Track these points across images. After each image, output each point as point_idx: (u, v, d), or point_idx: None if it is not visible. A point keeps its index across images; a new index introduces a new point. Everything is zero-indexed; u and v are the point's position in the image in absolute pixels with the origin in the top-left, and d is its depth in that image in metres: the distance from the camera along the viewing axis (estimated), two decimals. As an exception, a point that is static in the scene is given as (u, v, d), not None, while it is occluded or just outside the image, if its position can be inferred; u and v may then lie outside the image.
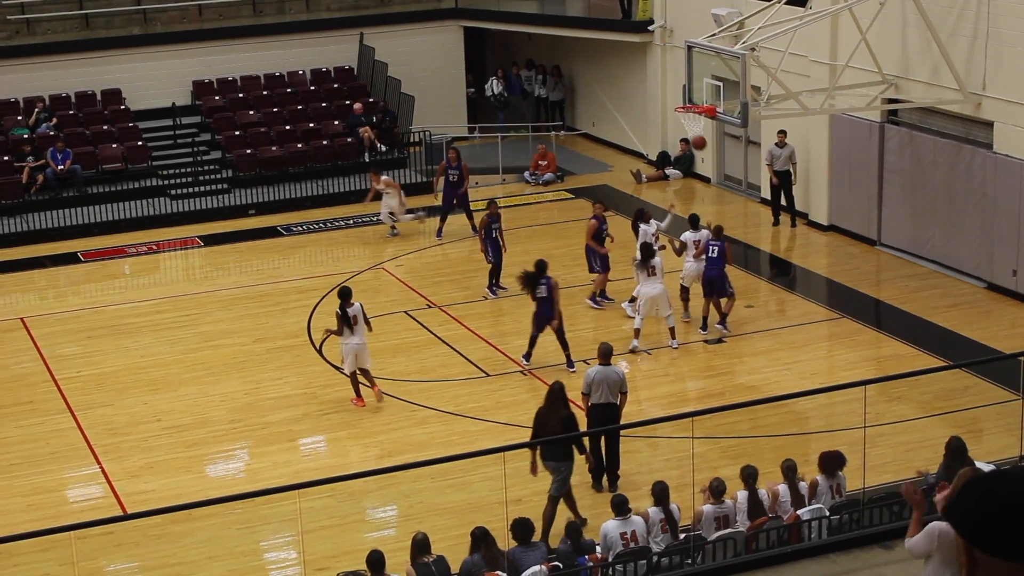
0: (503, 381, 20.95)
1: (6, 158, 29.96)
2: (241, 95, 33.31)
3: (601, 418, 16.88)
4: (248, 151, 31.42)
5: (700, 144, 25.24)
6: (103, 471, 18.37)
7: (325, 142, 31.96)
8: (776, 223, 28.08)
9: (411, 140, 32.62)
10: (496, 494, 15.26)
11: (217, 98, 33.10)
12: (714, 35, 25.14)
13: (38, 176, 29.77)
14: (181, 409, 20.28)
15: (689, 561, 14.01)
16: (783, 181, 27.76)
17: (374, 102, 33.26)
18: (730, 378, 21.10)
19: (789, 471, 14.95)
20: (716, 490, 14.65)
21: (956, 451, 14.75)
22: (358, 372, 19.94)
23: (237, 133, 31.96)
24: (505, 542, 13.93)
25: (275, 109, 32.94)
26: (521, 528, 13.91)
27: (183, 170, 31.16)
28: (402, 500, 17.32)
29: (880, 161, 26.14)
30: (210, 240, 28.61)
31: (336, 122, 32.73)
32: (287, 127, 32.31)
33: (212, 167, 31.44)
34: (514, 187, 31.90)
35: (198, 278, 27.05)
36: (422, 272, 26.17)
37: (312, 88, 33.85)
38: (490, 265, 24.40)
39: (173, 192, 30.49)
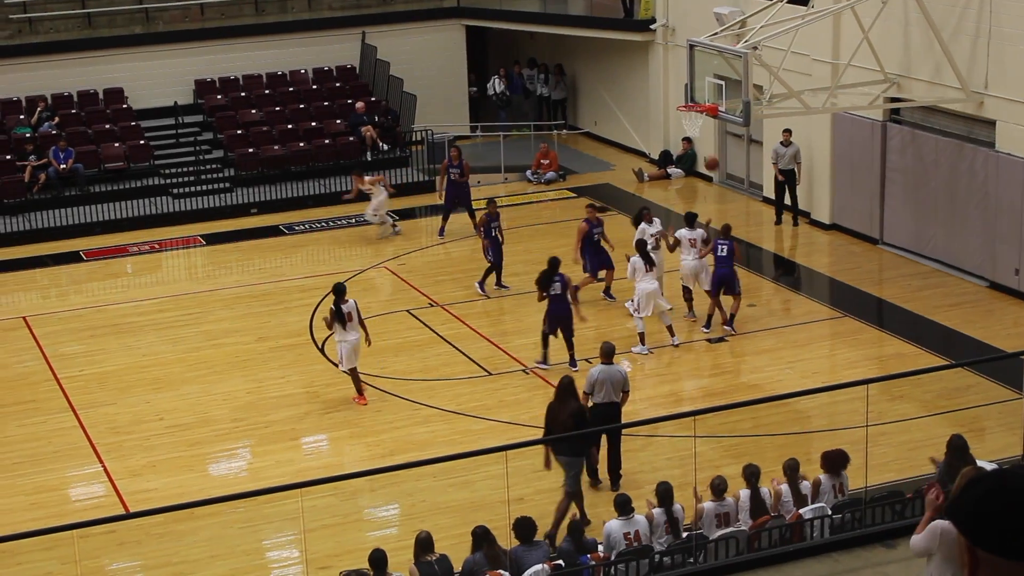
0: (505, 380, 20.96)
1: (8, 157, 29.98)
2: (243, 94, 33.31)
3: (603, 417, 16.90)
4: (250, 150, 31.43)
5: (713, 165, 24.97)
6: (105, 470, 18.39)
7: (327, 141, 31.96)
8: (779, 222, 28.09)
9: (413, 139, 32.62)
10: (498, 493, 15.25)
11: (219, 97, 33.11)
12: (716, 34, 25.14)
13: (40, 175, 29.79)
14: (183, 408, 20.29)
15: (691, 560, 14.01)
16: (787, 180, 27.76)
17: (376, 101, 33.26)
18: (732, 377, 21.11)
19: (791, 471, 14.95)
20: (717, 488, 14.66)
21: (957, 449, 14.74)
22: (350, 371, 19.99)
23: (239, 132, 31.97)
24: (507, 541, 13.93)
25: (277, 108, 32.95)
26: (523, 527, 13.91)
27: (185, 169, 31.17)
28: (404, 499, 17.32)
29: (882, 160, 26.14)
30: (212, 239, 28.62)
31: (338, 121, 32.73)
32: (289, 126, 32.32)
33: (214, 166, 31.45)
34: (516, 186, 31.90)
35: (200, 277, 27.06)
36: (424, 271, 26.17)
37: (314, 87, 33.86)
38: (488, 264, 24.42)
39: (175, 191, 30.50)
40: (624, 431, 17.48)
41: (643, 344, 21.63)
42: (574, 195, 30.78)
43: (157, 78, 32.77)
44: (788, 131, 27.41)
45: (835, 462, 15.03)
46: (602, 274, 23.71)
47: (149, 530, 16.29)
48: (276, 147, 31.64)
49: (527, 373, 21.08)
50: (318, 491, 15.79)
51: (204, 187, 30.59)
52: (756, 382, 20.86)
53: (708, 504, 14.60)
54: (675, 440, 17.73)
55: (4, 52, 31.73)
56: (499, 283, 24.57)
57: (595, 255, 23.53)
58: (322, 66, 34.23)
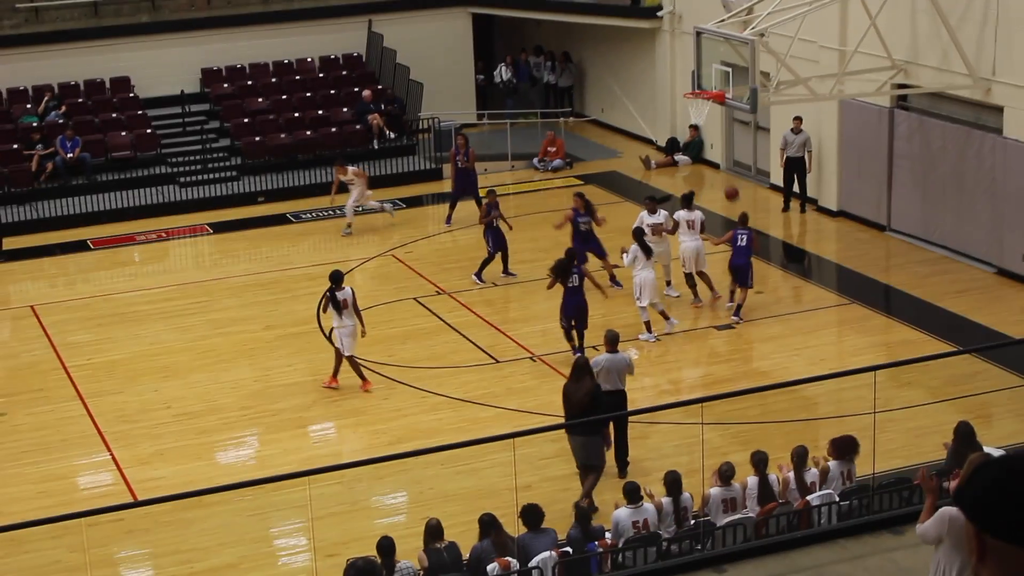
0: (512, 367, 20.96)
1: (15, 146, 30.00)
2: (250, 82, 33.30)
3: (609, 405, 16.90)
4: (257, 138, 31.43)
5: (733, 195, 24.68)
6: (113, 458, 18.42)
7: (334, 129, 31.96)
8: (786, 208, 28.05)
9: (420, 127, 32.61)
10: (506, 480, 15.27)
11: (226, 85, 33.10)
12: (723, 21, 25.09)
13: (47, 164, 29.81)
14: (191, 396, 20.32)
15: (699, 547, 14.02)
16: (795, 167, 27.72)
17: (383, 89, 33.24)
18: (740, 364, 21.09)
19: (798, 458, 14.95)
20: (724, 474, 14.67)
21: (964, 436, 14.74)
22: (337, 352, 20.02)
23: (246, 120, 31.97)
24: (515, 528, 13.95)
25: (284, 96, 32.94)
26: (531, 514, 13.93)
27: (192, 158, 31.19)
28: (412, 487, 17.34)
29: (890, 146, 26.09)
30: (219, 227, 28.64)
31: (345, 109, 32.72)
32: (296, 114, 32.32)
33: (221, 154, 31.46)
34: (523, 174, 31.88)
35: (207, 265, 27.08)
36: (431, 259, 26.17)
37: (321, 75, 33.85)
38: (487, 255, 24.42)
39: (182, 180, 30.52)
40: (630, 418, 17.47)
41: (650, 332, 21.62)
42: (581, 183, 30.74)
43: (164, 67, 32.76)
44: (799, 118, 27.36)
45: (844, 448, 15.03)
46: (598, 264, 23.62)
47: (157, 518, 16.31)
48: (283, 135, 31.64)
49: (534, 361, 21.08)
50: (326, 479, 15.81)
51: (211, 176, 30.60)
52: (764, 369, 20.86)
53: (715, 490, 14.61)
54: (682, 427, 17.73)
55: (11, 41, 31.74)
56: (506, 270, 24.57)
57: (583, 244, 23.52)
58: (328, 54, 34.21)
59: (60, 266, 27.14)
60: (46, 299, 24.91)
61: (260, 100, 32.68)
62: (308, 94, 33.12)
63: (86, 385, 20.83)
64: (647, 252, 21.50)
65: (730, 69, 24.01)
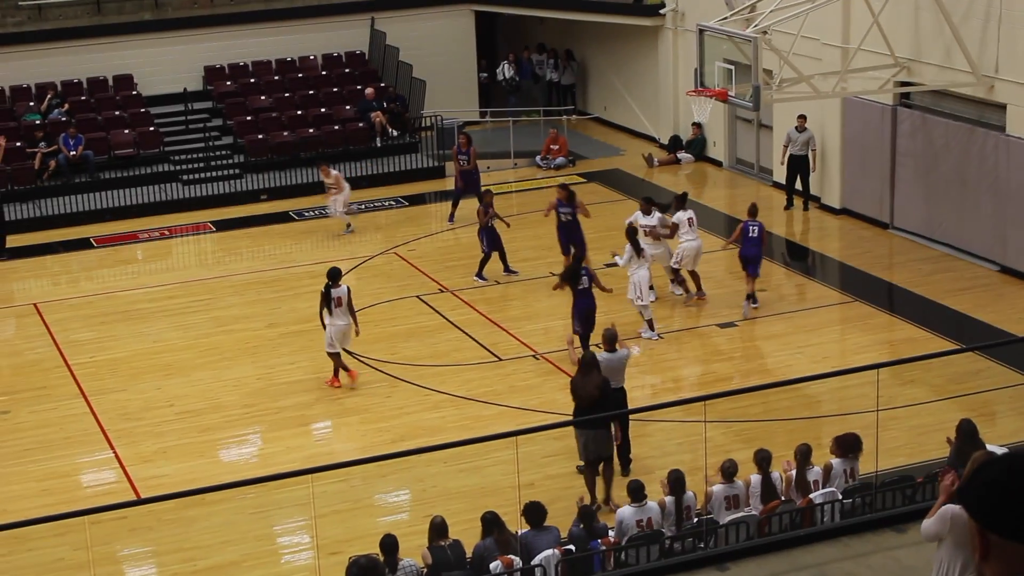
0: (515, 365, 20.96)
1: (18, 144, 30.01)
2: (252, 80, 33.31)
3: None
4: (260, 136, 31.44)
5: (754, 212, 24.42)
6: (116, 456, 18.43)
7: (336, 127, 31.96)
8: (788, 206, 28.04)
9: (423, 125, 32.60)
10: (509, 478, 15.28)
11: (229, 83, 33.11)
12: (726, 18, 25.08)
13: (50, 162, 29.82)
14: (194, 394, 20.33)
15: (702, 545, 14.01)
16: (798, 165, 27.71)
17: (385, 87, 33.24)
18: (742, 362, 21.10)
19: (801, 456, 14.94)
20: (727, 471, 14.67)
21: (967, 434, 14.73)
22: (340, 353, 20.11)
23: (248, 118, 31.97)
24: (518, 526, 13.95)
25: (286, 94, 32.95)
26: (533, 512, 13.93)
27: (195, 155, 31.19)
28: (415, 484, 17.34)
29: (892, 144, 26.08)
30: (222, 225, 28.64)
31: (348, 107, 32.72)
32: (298, 112, 32.32)
33: (224, 152, 31.46)
34: (526, 171, 31.87)
35: (210, 263, 27.09)
36: (434, 257, 26.18)
37: (323, 73, 33.85)
38: (483, 254, 24.43)
39: (185, 177, 30.53)
40: (633, 416, 17.47)
41: (652, 330, 21.61)
42: (584, 180, 30.75)
43: (166, 65, 32.78)
44: (803, 117, 27.36)
45: (847, 446, 15.02)
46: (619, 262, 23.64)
47: (160, 516, 16.33)
48: (285, 133, 31.64)
49: (536, 358, 21.08)
50: (328, 477, 15.82)
51: (214, 173, 30.62)
52: (766, 367, 20.85)
53: (717, 487, 14.61)
54: (685, 425, 17.73)
55: (14, 39, 31.75)
56: (507, 269, 24.58)
57: (565, 235, 23.58)
58: (331, 52, 34.22)
59: (63, 264, 27.15)
60: (49, 297, 24.93)
61: (263, 98, 32.69)
62: (311, 92, 33.13)
63: (89, 383, 20.84)
64: (639, 250, 21.49)
65: (733, 67, 24.01)
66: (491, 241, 24.34)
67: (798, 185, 27.95)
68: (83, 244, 27.74)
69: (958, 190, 24.74)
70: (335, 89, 33.24)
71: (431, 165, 31.51)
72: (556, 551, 13.54)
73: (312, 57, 34.09)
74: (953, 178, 24.81)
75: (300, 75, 33.64)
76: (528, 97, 36.54)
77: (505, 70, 36.20)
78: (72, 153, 29.89)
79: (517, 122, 33.54)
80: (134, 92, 32.33)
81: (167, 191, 30.00)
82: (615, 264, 22.22)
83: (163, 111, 32.27)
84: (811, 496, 14.53)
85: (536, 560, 13.47)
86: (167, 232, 28.38)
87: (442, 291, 24.17)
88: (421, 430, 18.63)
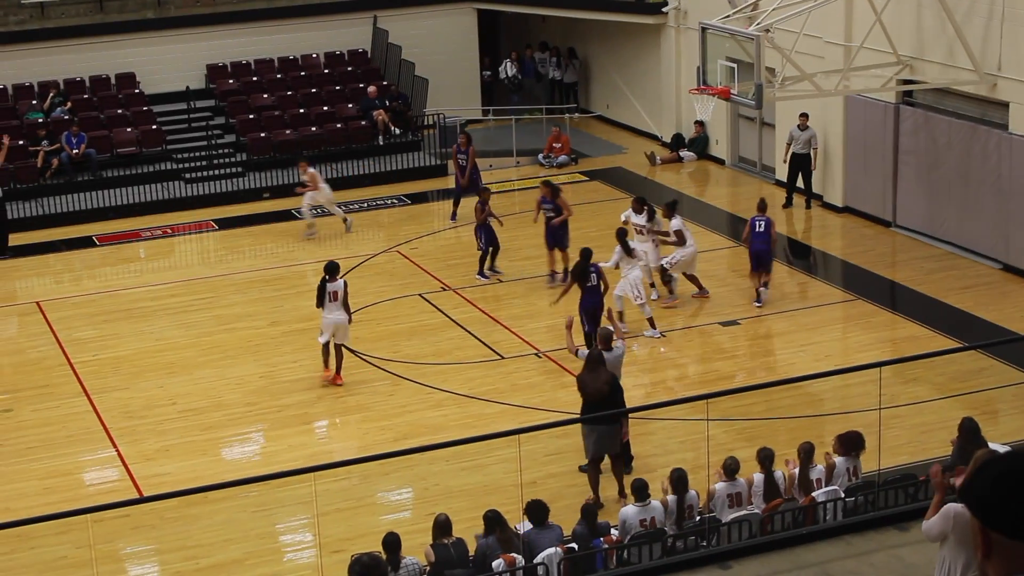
0: (517, 364, 20.96)
1: (21, 142, 30.01)
2: (255, 79, 33.30)
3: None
4: (262, 134, 31.44)
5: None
6: (119, 454, 18.44)
7: (339, 125, 31.96)
8: (787, 204, 28.00)
9: (425, 123, 32.59)
10: (511, 476, 15.28)
11: (231, 82, 33.11)
12: (728, 16, 25.07)
13: (53, 160, 29.83)
14: (196, 392, 20.33)
15: (704, 543, 14.01)
16: (800, 164, 27.70)
17: (388, 85, 33.24)
18: (745, 360, 21.09)
19: (805, 454, 14.93)
20: (729, 468, 14.67)
21: (969, 432, 14.73)
22: (336, 347, 20.13)
23: (251, 117, 31.97)
24: (520, 523, 13.95)
25: (289, 92, 32.94)
26: (536, 510, 13.94)
27: (197, 154, 31.19)
28: (417, 483, 17.35)
29: (895, 142, 26.07)
30: (224, 223, 28.65)
31: (350, 105, 32.72)
32: (301, 110, 32.33)
33: (226, 151, 31.47)
34: (528, 170, 31.86)
35: (213, 261, 27.09)
36: (437, 255, 26.18)
37: (326, 71, 33.84)
38: (480, 252, 24.45)
39: (187, 176, 30.53)
40: (638, 414, 17.47)
41: (654, 328, 21.61)
42: (586, 178, 30.76)
43: (169, 63, 32.78)
44: (805, 115, 27.36)
45: (850, 444, 15.01)
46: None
47: (163, 514, 16.33)
48: (288, 132, 31.64)
49: (539, 357, 21.08)
50: (331, 475, 15.84)
51: (216, 172, 30.62)
52: (769, 365, 20.85)
53: (720, 485, 14.61)
54: (687, 423, 17.73)
55: (16, 37, 31.76)
56: (492, 267, 24.60)
57: (548, 232, 23.64)
58: (334, 50, 34.21)
59: (66, 262, 27.15)
60: (52, 295, 24.94)
61: (265, 96, 32.69)
62: (313, 90, 33.12)
63: (91, 381, 20.85)
64: (629, 251, 21.47)
65: (735, 65, 23.99)
66: (489, 238, 24.36)
67: (799, 183, 27.94)
68: (86, 242, 27.74)
69: (960, 188, 24.73)
70: (337, 87, 33.24)
71: (433, 163, 31.50)
72: (558, 549, 13.55)
73: (315, 55, 34.09)
74: (955, 176, 24.80)
75: (302, 73, 33.63)
76: (530, 95, 36.53)
77: (508, 68, 36.18)
78: (75, 151, 29.90)
79: (519, 120, 33.52)
80: (136, 90, 32.33)
81: (169, 189, 29.99)
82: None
83: (165, 109, 32.27)
84: (813, 494, 14.53)
85: (538, 558, 13.48)
86: (169, 230, 28.38)
87: (444, 289, 24.17)
88: (423, 428, 18.63)
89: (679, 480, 14.51)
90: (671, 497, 14.45)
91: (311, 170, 27.56)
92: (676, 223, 22.77)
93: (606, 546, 13.98)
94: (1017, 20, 23.03)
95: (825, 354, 20.96)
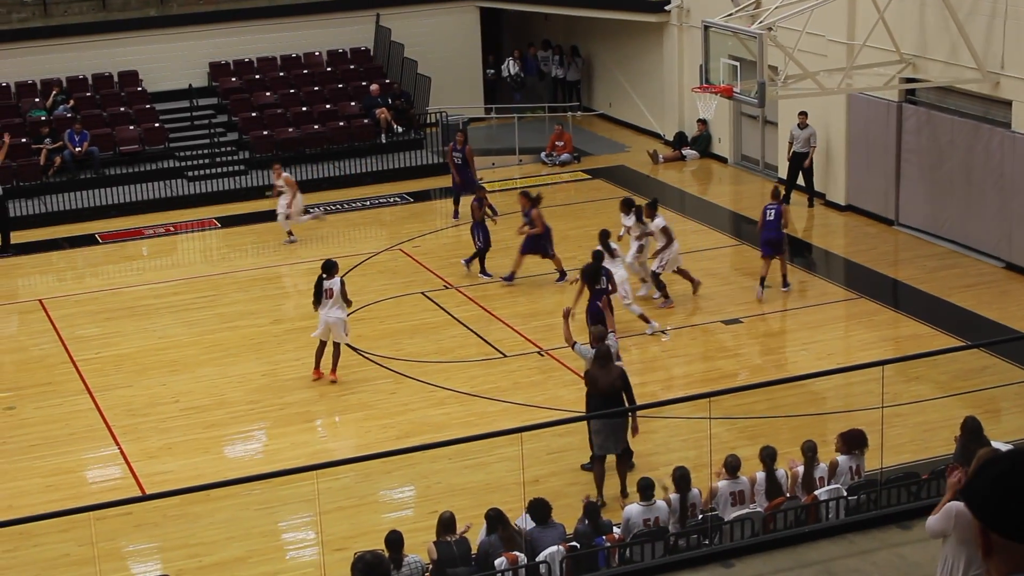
0: (520, 362, 20.96)
1: (24, 140, 30.03)
2: (258, 77, 33.30)
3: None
4: (265, 133, 31.44)
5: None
6: (122, 452, 18.44)
7: (342, 123, 31.97)
8: (785, 202, 27.92)
9: (428, 121, 32.59)
10: (513, 475, 15.29)
11: (234, 80, 33.11)
12: (731, 15, 25.08)
13: (56, 158, 29.85)
14: (199, 390, 20.34)
15: (706, 542, 14.01)
16: (800, 162, 27.70)
17: (390, 83, 33.24)
18: (747, 358, 21.08)
19: (809, 452, 14.93)
20: (731, 466, 14.66)
21: (972, 431, 14.71)
22: (334, 346, 20.13)
23: (254, 115, 31.98)
24: (522, 522, 13.95)
25: (291, 91, 32.94)
26: (538, 508, 13.94)
27: (200, 152, 31.20)
28: (420, 481, 17.35)
29: (898, 141, 26.05)
30: (227, 221, 28.65)
31: (353, 103, 32.72)
32: (303, 108, 32.33)
33: (229, 149, 31.47)
34: (530, 168, 31.85)
35: (215, 259, 27.08)
36: (439, 253, 26.18)
37: (328, 69, 33.84)
38: (478, 250, 24.46)
39: (190, 174, 30.53)
40: (640, 412, 17.45)
41: (649, 322, 21.60)
42: (589, 177, 30.76)
43: (171, 61, 32.79)
44: (804, 113, 27.36)
45: (853, 442, 15.01)
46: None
47: (165, 512, 16.34)
48: (290, 130, 31.65)
49: (541, 355, 21.08)
50: (333, 473, 15.84)
51: (219, 170, 30.64)
52: (771, 363, 20.84)
53: (722, 483, 14.60)
54: (690, 422, 17.72)
55: (19, 35, 31.77)
56: (482, 269, 24.58)
57: (527, 239, 23.67)
58: (336, 48, 34.21)
59: (68, 260, 27.17)
60: (54, 293, 24.94)
61: (268, 94, 32.70)
62: (316, 88, 33.12)
63: (94, 379, 20.86)
64: (611, 252, 21.43)
65: (738, 63, 23.99)
66: (486, 236, 24.36)
67: (800, 181, 27.92)
68: (88, 240, 27.76)
69: (963, 187, 24.71)
70: (340, 85, 33.24)
71: (436, 162, 31.49)
72: (561, 547, 13.55)
73: (317, 53, 34.09)
74: (958, 175, 24.79)
75: (305, 71, 33.63)
76: (533, 93, 36.53)
77: (510, 66, 36.18)
78: (77, 149, 29.91)
79: (522, 119, 33.51)
80: (139, 88, 32.33)
81: (172, 187, 29.99)
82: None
83: (168, 107, 32.28)
84: (816, 493, 14.53)
85: (541, 556, 13.48)
86: (172, 228, 28.39)
87: (447, 287, 24.17)
88: (426, 426, 18.63)
89: (681, 478, 14.51)
90: (674, 495, 14.45)
91: (285, 174, 27.25)
92: (660, 221, 22.77)
93: (608, 544, 13.98)
94: (1020, 18, 23.01)
95: (827, 352, 20.96)
